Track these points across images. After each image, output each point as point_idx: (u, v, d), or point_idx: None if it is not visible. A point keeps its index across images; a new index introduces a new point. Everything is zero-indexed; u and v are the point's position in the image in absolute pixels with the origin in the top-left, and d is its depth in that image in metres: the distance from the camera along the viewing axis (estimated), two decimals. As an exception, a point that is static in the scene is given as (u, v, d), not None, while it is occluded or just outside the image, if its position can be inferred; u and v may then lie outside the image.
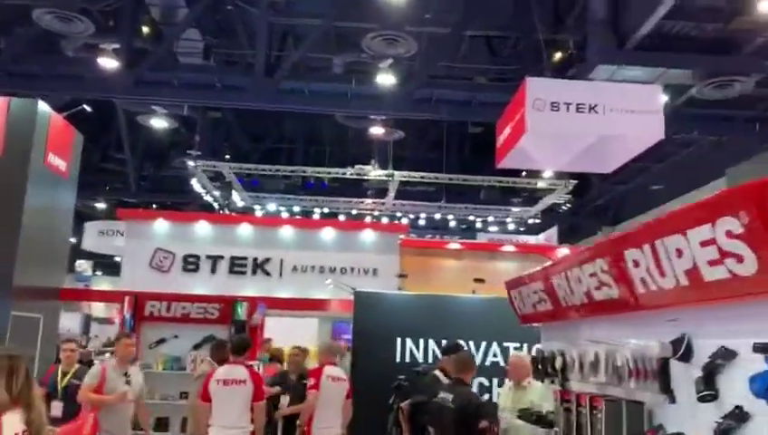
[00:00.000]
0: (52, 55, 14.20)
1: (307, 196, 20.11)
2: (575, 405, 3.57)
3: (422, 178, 17.86)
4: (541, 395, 5.62)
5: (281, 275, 13.68)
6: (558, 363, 4.16)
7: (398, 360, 8.20)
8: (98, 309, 22.37)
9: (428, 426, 5.65)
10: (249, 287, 12.96)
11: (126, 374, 5.94)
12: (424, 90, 14.26)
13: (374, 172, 17.95)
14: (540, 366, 4.66)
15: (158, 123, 17.67)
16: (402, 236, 14.42)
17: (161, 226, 13.46)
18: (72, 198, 10.45)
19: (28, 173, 8.81)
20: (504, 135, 10.66)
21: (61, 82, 14.30)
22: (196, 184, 18.05)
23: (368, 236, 14.22)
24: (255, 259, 13.67)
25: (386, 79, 13.99)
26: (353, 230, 14.57)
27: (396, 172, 17.72)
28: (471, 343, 7.76)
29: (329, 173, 18.60)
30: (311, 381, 6.36)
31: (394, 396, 7.28)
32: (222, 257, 13.53)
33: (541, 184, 18.41)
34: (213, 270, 13.40)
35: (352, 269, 13.72)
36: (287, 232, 14.13)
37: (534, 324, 5.07)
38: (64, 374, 6.50)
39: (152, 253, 13.10)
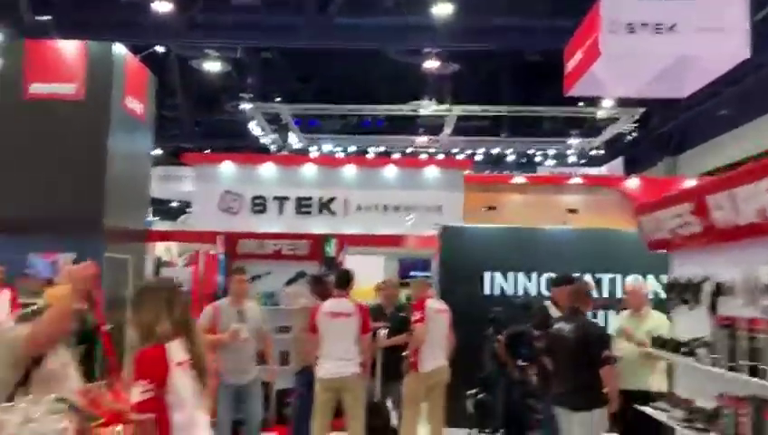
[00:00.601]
0: (104, 2, 14.05)
1: (362, 135, 19.89)
2: (746, 331, 3.42)
3: (483, 111, 17.38)
4: (660, 323, 5.52)
5: (345, 213, 13.70)
6: (708, 288, 4.02)
7: (486, 293, 8.20)
8: (159, 252, 22.79)
9: (546, 356, 5.60)
10: (315, 226, 12.99)
11: (240, 312, 5.89)
12: (481, 18, 13.72)
13: (432, 108, 17.57)
14: (675, 293, 4.53)
15: (212, 66, 17.52)
16: (467, 172, 14.21)
17: (227, 168, 13.51)
18: (149, 141, 10.50)
19: (109, 116, 8.83)
20: (575, 61, 10.09)
21: (115, 29, 14.16)
22: (254, 127, 17.97)
23: (431, 172, 14.02)
24: (320, 199, 13.69)
25: (442, 9, 13.48)
26: (416, 167, 14.40)
27: (453, 107, 17.31)
28: (562, 276, 7.63)
29: (385, 111, 18.30)
30: (416, 315, 6.34)
31: (491, 328, 7.29)
32: (288, 198, 13.59)
33: (603, 114, 17.76)
34: (280, 211, 13.49)
35: (416, 207, 13.64)
36: (350, 171, 14.05)
37: (664, 251, 4.91)
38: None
39: (220, 195, 13.23)
